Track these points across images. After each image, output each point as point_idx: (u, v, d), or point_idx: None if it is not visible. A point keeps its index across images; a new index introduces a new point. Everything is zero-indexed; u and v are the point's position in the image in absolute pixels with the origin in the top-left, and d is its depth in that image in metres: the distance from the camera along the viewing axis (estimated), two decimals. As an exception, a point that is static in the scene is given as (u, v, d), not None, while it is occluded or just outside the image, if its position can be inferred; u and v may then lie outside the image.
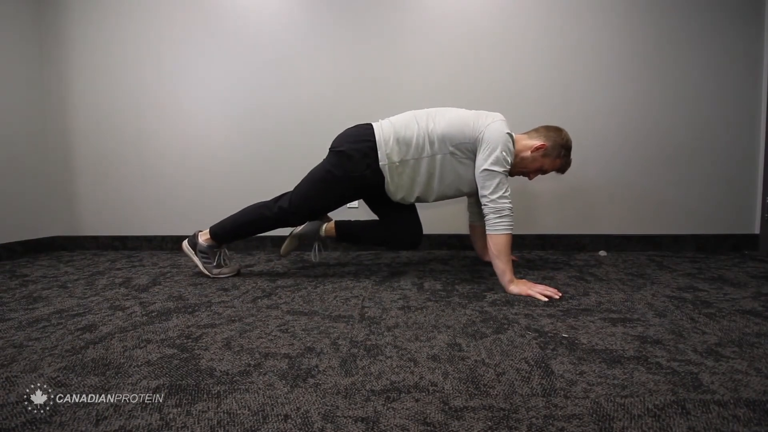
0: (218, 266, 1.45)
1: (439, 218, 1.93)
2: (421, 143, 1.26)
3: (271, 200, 1.40)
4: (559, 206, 1.89)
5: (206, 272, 1.44)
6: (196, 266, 1.50)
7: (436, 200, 1.39)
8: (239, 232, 1.42)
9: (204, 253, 1.43)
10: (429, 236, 1.94)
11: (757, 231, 1.82)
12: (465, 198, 1.81)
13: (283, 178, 1.97)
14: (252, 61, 1.95)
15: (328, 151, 1.37)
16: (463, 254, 1.82)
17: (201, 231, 1.47)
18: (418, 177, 1.30)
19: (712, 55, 1.77)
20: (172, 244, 2.06)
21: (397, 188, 1.33)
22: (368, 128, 1.31)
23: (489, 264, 1.56)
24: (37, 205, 2.03)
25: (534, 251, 1.87)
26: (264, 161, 1.99)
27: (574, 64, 1.82)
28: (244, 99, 1.97)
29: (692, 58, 1.78)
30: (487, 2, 1.83)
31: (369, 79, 1.90)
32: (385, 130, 1.29)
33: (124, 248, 2.09)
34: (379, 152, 1.27)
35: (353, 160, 1.28)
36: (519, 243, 1.89)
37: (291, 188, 2.00)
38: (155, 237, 2.07)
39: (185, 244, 1.47)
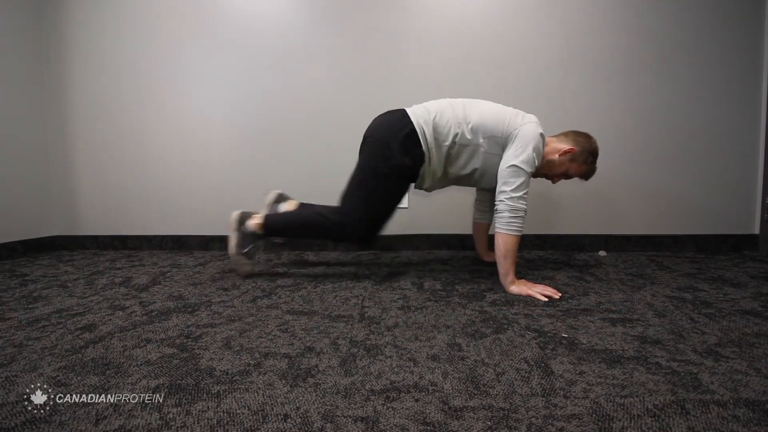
0: (246, 255, 1.39)
1: (439, 218, 1.93)
2: (455, 131, 1.25)
3: (332, 209, 1.33)
4: (559, 206, 1.89)
5: (233, 252, 1.37)
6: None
7: (449, 185, 1.41)
8: (289, 231, 1.36)
9: (244, 236, 1.36)
10: (429, 236, 1.94)
11: (757, 231, 1.82)
12: (466, 197, 1.81)
13: (283, 178, 1.97)
14: (252, 62, 1.95)
15: (362, 141, 1.32)
16: (463, 254, 1.82)
17: (255, 213, 1.40)
18: (446, 164, 1.30)
19: (712, 55, 1.77)
20: (172, 243, 2.06)
21: (427, 175, 1.31)
22: (403, 114, 1.27)
23: (489, 264, 1.56)
24: (37, 205, 2.03)
25: (534, 251, 1.87)
26: (264, 161, 1.98)
27: (573, 64, 1.82)
28: (244, 99, 1.97)
29: (692, 57, 1.78)
30: (487, 4, 1.83)
31: (369, 80, 1.90)
32: (420, 115, 1.26)
33: (124, 248, 2.09)
34: (420, 138, 1.24)
35: (392, 149, 1.24)
36: (520, 243, 1.88)
37: (291, 188, 2.01)
38: (155, 237, 2.07)
39: (234, 216, 1.38)
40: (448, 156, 1.28)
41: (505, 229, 1.17)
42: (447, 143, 1.26)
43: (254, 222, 1.36)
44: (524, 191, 1.17)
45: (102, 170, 2.08)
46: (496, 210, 1.19)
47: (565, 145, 1.29)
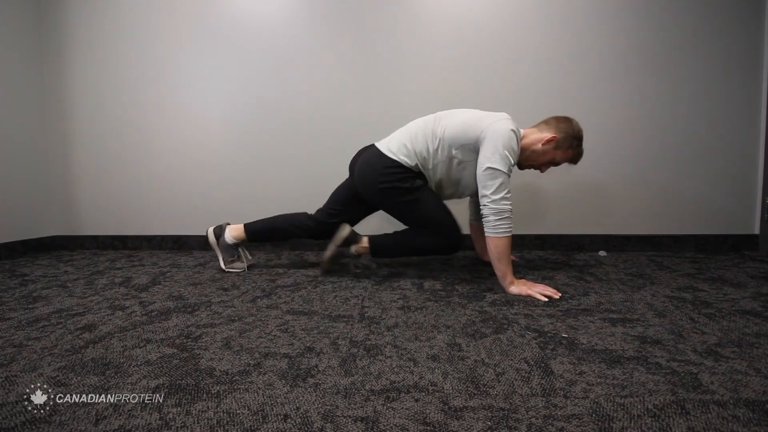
0: (332, 261, 1.45)
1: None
2: (432, 152, 1.29)
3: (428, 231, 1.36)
4: (559, 206, 1.89)
5: (326, 259, 1.43)
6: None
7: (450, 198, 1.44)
8: (395, 253, 1.44)
9: (344, 249, 1.43)
10: (429, 236, 1.94)
11: (757, 231, 1.82)
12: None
13: (282, 179, 1.97)
14: (252, 64, 1.94)
15: (362, 192, 1.39)
16: (462, 254, 1.82)
17: (360, 236, 1.44)
18: (440, 181, 1.35)
19: (712, 56, 1.77)
20: (172, 243, 2.06)
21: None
22: (383, 156, 1.33)
23: (489, 264, 1.56)
24: (37, 204, 2.03)
25: (534, 251, 1.87)
26: (263, 162, 1.98)
27: (574, 65, 1.82)
28: (244, 101, 1.97)
29: (692, 58, 1.78)
30: (489, 6, 1.83)
31: (369, 82, 1.89)
32: (397, 151, 1.31)
33: (124, 248, 2.09)
34: (412, 168, 1.30)
35: (402, 187, 1.30)
36: (519, 243, 1.89)
37: (290, 189, 2.01)
38: (155, 237, 2.07)
39: (345, 234, 1.40)
40: (434, 177, 1.34)
41: (493, 232, 1.16)
42: (430, 166, 1.31)
43: (361, 246, 1.40)
44: (505, 191, 1.16)
45: (102, 170, 2.08)
46: (482, 215, 1.20)
47: (547, 134, 1.28)
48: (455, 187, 1.36)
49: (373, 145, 1.40)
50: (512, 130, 1.19)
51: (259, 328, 0.91)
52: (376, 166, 1.33)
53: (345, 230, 1.40)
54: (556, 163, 1.34)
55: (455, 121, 1.27)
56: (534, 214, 1.89)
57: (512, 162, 1.19)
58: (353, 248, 1.41)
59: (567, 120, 1.30)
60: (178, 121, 2.01)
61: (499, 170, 1.16)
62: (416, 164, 1.30)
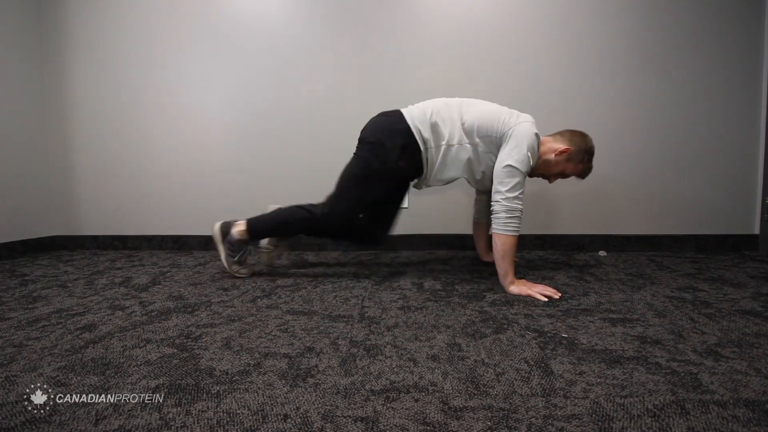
0: (238, 263, 1.41)
1: (439, 218, 1.93)
2: (452, 131, 1.25)
3: (317, 204, 1.35)
4: (559, 206, 1.89)
5: (226, 265, 1.39)
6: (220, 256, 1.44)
7: (447, 183, 1.39)
8: (276, 230, 1.38)
9: (231, 245, 1.38)
10: (429, 236, 1.94)
11: (756, 231, 1.83)
12: (466, 197, 1.81)
13: (282, 179, 1.97)
14: (252, 63, 1.95)
15: (357, 142, 1.34)
16: (462, 254, 1.82)
17: (236, 221, 1.40)
18: (443, 164, 1.29)
19: (713, 56, 1.77)
20: (172, 243, 2.06)
21: (426, 176, 1.33)
22: (399, 116, 1.28)
23: (489, 264, 1.56)
24: (37, 204, 2.03)
25: (534, 251, 1.87)
26: (263, 162, 1.98)
27: (574, 65, 1.82)
28: (244, 101, 1.97)
29: (692, 58, 1.78)
30: (489, 6, 1.83)
31: (369, 82, 1.90)
32: (416, 116, 1.27)
33: (123, 248, 2.09)
34: (417, 139, 1.25)
35: (387, 151, 1.25)
36: (519, 243, 1.88)
37: (290, 189, 2.01)
38: (155, 237, 2.07)
39: (217, 228, 1.40)
40: (445, 156, 1.28)
41: (502, 229, 1.16)
42: (443, 143, 1.27)
43: (238, 229, 1.36)
44: (519, 191, 1.17)
45: (102, 170, 2.08)
46: (493, 211, 1.19)
47: (561, 145, 1.29)
48: (456, 173, 1.32)
49: (398, 110, 1.33)
50: (536, 134, 1.20)
51: (259, 328, 0.91)
52: (388, 127, 1.28)
53: (216, 225, 1.40)
54: (566, 176, 1.34)
55: (482, 110, 1.25)
56: (534, 214, 1.89)
57: (531, 164, 1.20)
58: (233, 233, 1.36)
59: (582, 134, 1.31)
60: (178, 121, 2.01)
61: (518, 169, 1.16)
62: (429, 138, 1.26)
